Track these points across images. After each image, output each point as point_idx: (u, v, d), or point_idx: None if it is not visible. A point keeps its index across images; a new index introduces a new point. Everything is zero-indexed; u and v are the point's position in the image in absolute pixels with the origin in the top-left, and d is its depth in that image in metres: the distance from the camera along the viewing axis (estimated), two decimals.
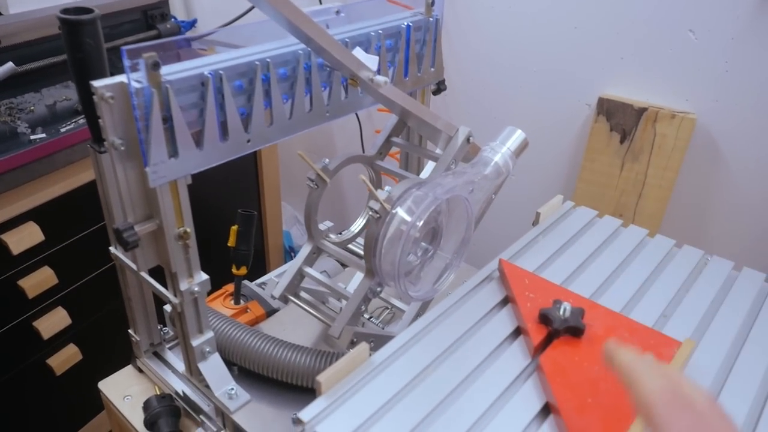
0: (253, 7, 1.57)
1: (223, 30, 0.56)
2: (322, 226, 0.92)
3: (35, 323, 1.21)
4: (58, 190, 1.17)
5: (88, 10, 0.57)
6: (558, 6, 1.22)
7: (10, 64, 1.02)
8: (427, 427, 0.48)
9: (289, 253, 1.96)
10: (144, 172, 0.54)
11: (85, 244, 1.25)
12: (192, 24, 1.56)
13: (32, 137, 1.13)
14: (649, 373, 0.33)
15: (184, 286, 0.62)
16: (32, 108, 1.26)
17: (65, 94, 1.33)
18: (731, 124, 1.11)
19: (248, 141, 0.60)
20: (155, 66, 0.50)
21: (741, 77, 1.07)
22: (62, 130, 1.16)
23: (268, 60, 0.59)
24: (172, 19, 1.44)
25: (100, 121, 0.53)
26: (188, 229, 0.60)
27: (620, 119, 1.22)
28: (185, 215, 0.59)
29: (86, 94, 0.60)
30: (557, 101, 1.30)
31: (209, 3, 1.78)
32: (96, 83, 0.51)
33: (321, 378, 0.49)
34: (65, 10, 0.57)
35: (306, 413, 0.48)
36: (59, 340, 1.27)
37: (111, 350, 1.37)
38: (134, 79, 0.51)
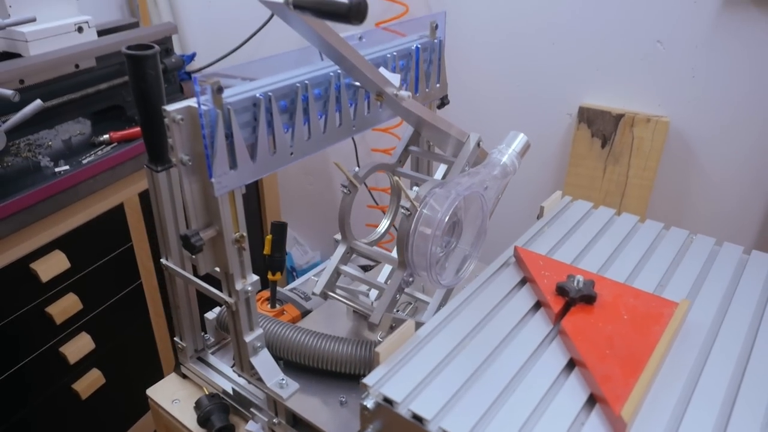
0: (246, 41, 1.68)
1: (249, 63, 0.65)
2: (337, 237, 1.00)
3: (62, 349, 1.26)
4: (82, 219, 1.24)
5: (149, 47, 0.65)
6: (536, 24, 1.33)
7: (38, 102, 1.09)
8: (472, 383, 0.56)
9: (291, 273, 2.03)
10: (206, 184, 0.62)
11: (106, 270, 1.31)
12: (192, 57, 1.64)
13: (56, 170, 1.19)
14: None
15: (239, 286, 0.70)
16: (50, 143, 1.33)
17: (78, 128, 1.41)
18: (701, 124, 1.23)
19: (291, 153, 0.69)
20: (219, 90, 0.59)
21: (707, 81, 1.19)
22: (84, 161, 1.23)
23: (307, 82, 0.68)
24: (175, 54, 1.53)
25: (170, 140, 0.61)
26: (244, 234, 0.67)
27: (600, 125, 1.33)
28: (240, 221, 0.67)
29: (148, 119, 0.68)
30: (541, 112, 1.41)
31: (200, 39, 1.89)
32: (168, 107, 0.59)
33: (379, 349, 0.57)
34: (129, 47, 0.65)
35: (370, 379, 0.56)
36: (84, 364, 1.32)
37: (132, 372, 1.43)
38: (201, 102, 0.59)
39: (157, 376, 1.49)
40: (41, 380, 1.24)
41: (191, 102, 0.60)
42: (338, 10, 0.48)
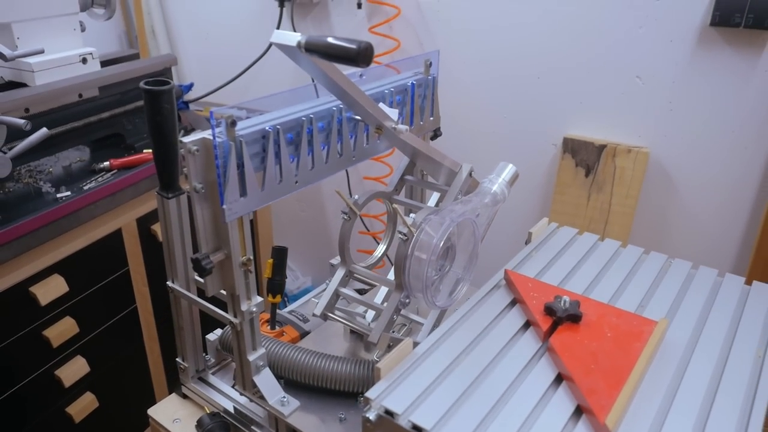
0: (241, 74, 1.73)
1: (258, 99, 0.70)
2: (333, 261, 1.04)
3: (57, 372, 1.27)
4: (81, 243, 1.26)
5: (165, 82, 0.70)
6: (523, 61, 1.40)
7: (44, 130, 1.12)
8: (468, 396, 0.60)
9: (283, 299, 2.04)
10: (217, 210, 0.67)
11: (103, 294, 1.33)
12: (189, 87, 1.69)
13: (58, 196, 1.23)
14: None
15: (244, 307, 0.73)
16: (50, 169, 1.36)
17: (77, 155, 1.44)
18: (679, 154, 1.30)
19: (296, 182, 0.73)
20: (233, 124, 0.63)
21: (683, 114, 1.26)
22: (85, 188, 1.27)
23: (312, 116, 0.72)
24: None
25: (184, 169, 0.65)
26: (250, 257, 0.71)
27: (584, 156, 1.39)
28: (247, 245, 0.71)
29: (161, 149, 0.72)
30: (528, 143, 1.48)
31: (196, 70, 1.95)
32: (185, 139, 0.64)
33: (380, 365, 0.61)
34: (147, 82, 0.69)
35: (372, 393, 0.59)
36: (78, 388, 1.33)
37: (125, 396, 1.44)
38: (216, 134, 0.63)
39: (150, 399, 1.50)
40: (36, 404, 1.25)
41: (206, 134, 0.64)
42: (347, 54, 0.53)
